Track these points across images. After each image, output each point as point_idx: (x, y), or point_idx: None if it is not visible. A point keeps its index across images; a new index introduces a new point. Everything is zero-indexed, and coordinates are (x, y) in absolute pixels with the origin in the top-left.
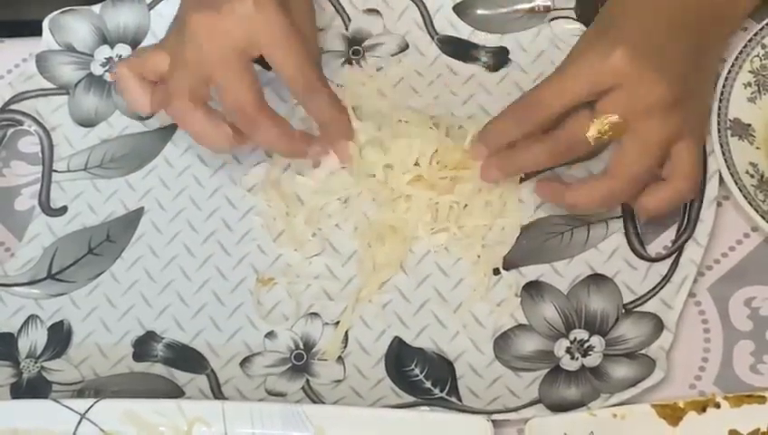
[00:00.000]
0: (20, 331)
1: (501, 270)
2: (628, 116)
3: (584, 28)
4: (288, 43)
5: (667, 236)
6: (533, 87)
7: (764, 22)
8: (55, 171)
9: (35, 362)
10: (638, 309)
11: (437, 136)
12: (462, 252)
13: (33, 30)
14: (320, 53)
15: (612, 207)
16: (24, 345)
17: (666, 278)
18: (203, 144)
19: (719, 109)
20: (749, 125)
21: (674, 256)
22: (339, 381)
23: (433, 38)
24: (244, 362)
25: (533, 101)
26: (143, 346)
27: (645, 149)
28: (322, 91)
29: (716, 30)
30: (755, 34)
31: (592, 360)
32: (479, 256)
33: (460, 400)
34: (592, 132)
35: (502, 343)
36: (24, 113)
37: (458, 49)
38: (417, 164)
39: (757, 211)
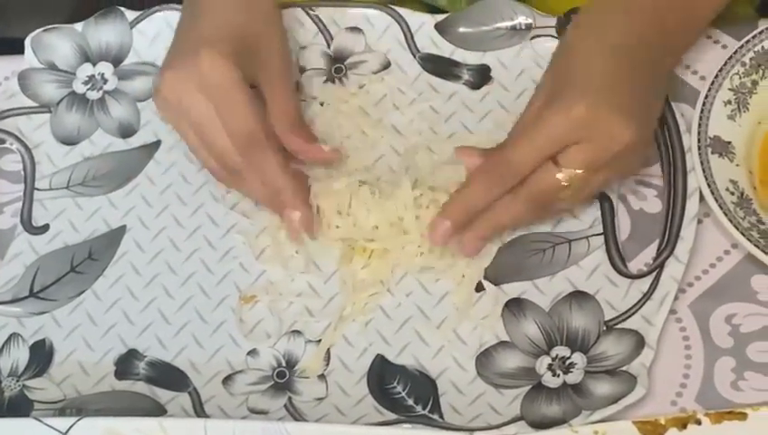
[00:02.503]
0: (1, 349)
1: (484, 285)
2: (593, 164)
3: None
4: (235, 105)
5: (648, 253)
6: (499, 149)
7: (744, 39)
8: (37, 189)
9: (17, 381)
10: (619, 326)
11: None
12: (445, 271)
13: (16, 48)
14: (295, 92)
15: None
16: (5, 364)
17: (647, 295)
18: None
19: (699, 126)
20: (729, 142)
21: (655, 272)
22: (321, 398)
23: (415, 56)
24: (227, 379)
25: (504, 164)
26: (125, 364)
27: (599, 188)
28: (266, 151)
29: (666, 61)
30: (735, 52)
31: (574, 377)
32: (464, 276)
33: (442, 417)
34: (563, 186)
35: (484, 360)
36: (5, 131)
37: (440, 67)
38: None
39: (737, 228)
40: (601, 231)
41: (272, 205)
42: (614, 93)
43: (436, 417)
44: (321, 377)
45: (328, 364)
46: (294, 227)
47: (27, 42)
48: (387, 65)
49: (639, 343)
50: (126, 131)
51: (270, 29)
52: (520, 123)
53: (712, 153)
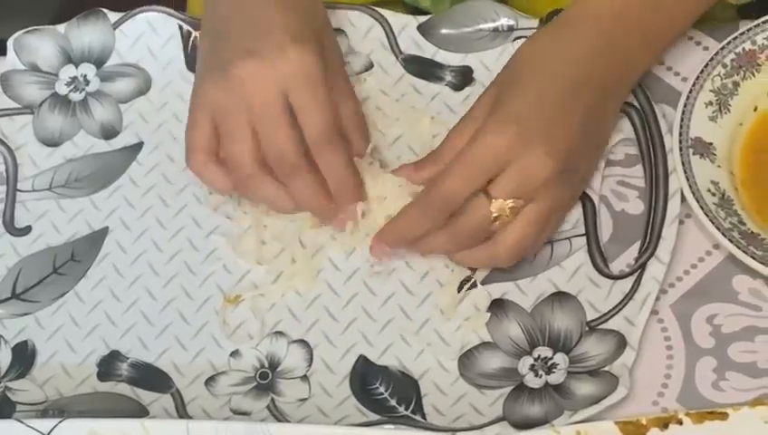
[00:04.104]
0: None
1: (478, 284)
2: (521, 195)
3: None
4: (320, 93)
5: (630, 253)
6: (436, 180)
7: (725, 41)
8: (20, 191)
9: None
10: (601, 326)
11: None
12: (428, 266)
13: None
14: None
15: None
16: None
17: (628, 296)
18: (276, 209)
19: (681, 127)
20: (710, 144)
21: (636, 273)
22: (304, 399)
23: (398, 57)
24: (209, 381)
25: (437, 197)
26: (108, 366)
27: (533, 224)
28: (340, 148)
29: (611, 93)
30: (716, 54)
31: (556, 377)
32: (452, 270)
33: (425, 417)
34: (493, 219)
35: (466, 360)
36: None
37: (423, 68)
38: None
39: (719, 229)
40: (583, 232)
41: (316, 206)
42: (544, 123)
43: (418, 417)
44: (304, 378)
45: (311, 365)
46: (345, 220)
47: (9, 43)
48: (369, 66)
49: (621, 343)
50: (108, 133)
51: (330, 34)
52: (457, 133)
53: (693, 154)
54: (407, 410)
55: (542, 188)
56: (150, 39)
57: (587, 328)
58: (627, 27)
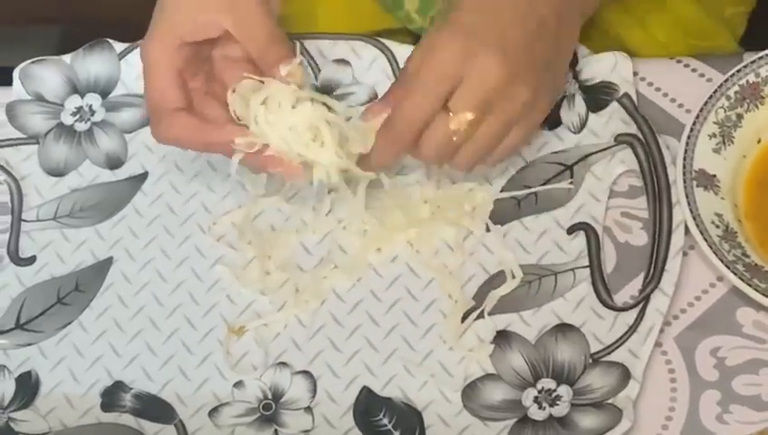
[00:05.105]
0: None
1: (486, 314)
2: (478, 107)
3: None
4: (149, 82)
5: (634, 285)
6: (398, 105)
7: (729, 73)
8: (24, 221)
9: (3, 413)
10: (605, 359)
11: None
12: (432, 297)
13: (4, 79)
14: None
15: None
16: None
17: (632, 328)
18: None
19: (684, 159)
20: (714, 176)
21: (640, 305)
22: (307, 430)
23: None
24: (213, 412)
25: (403, 120)
26: (111, 396)
27: (490, 136)
28: (174, 121)
29: (567, 10)
30: (720, 86)
31: (560, 409)
32: (456, 301)
33: None
34: (454, 134)
35: (470, 392)
36: None
37: None
38: None
39: (722, 261)
40: (587, 264)
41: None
42: (494, 31)
43: None
44: (308, 409)
45: (314, 396)
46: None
47: (15, 73)
48: (374, 97)
49: (625, 375)
50: (113, 163)
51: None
52: (413, 54)
53: (697, 186)
54: None
55: (498, 100)
56: None
57: (591, 360)
58: None
